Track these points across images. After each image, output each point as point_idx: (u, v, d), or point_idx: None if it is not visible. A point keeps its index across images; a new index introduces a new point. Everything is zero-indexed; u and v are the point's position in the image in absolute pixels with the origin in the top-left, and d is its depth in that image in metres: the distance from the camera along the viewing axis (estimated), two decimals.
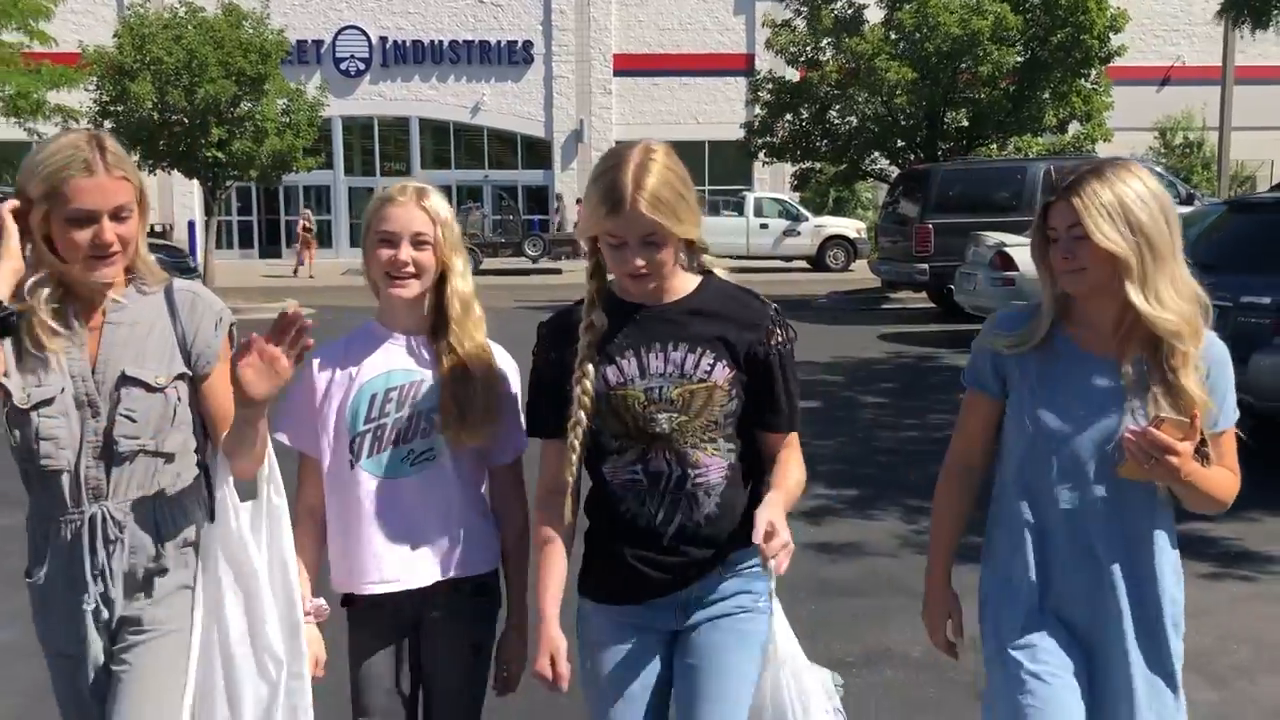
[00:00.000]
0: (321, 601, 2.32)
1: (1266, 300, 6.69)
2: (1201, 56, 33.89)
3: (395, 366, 2.37)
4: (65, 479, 2.20)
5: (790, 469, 2.29)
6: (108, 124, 17.96)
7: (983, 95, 18.29)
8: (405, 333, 2.40)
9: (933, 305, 16.83)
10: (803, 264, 28.32)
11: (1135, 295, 2.16)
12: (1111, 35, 17.90)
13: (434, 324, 2.40)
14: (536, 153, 35.26)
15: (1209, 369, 2.23)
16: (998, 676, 2.31)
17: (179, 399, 2.27)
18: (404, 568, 2.36)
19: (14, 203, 2.11)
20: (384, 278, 2.32)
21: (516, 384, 2.46)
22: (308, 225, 28.20)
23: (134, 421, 2.22)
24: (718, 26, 34.53)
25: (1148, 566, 2.28)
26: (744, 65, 32.09)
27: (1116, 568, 2.27)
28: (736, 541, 2.28)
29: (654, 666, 2.34)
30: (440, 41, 33.99)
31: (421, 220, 2.31)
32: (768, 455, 2.34)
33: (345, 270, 26.40)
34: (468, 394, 2.33)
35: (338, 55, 33.47)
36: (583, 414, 2.23)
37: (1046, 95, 18.48)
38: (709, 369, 2.24)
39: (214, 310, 2.34)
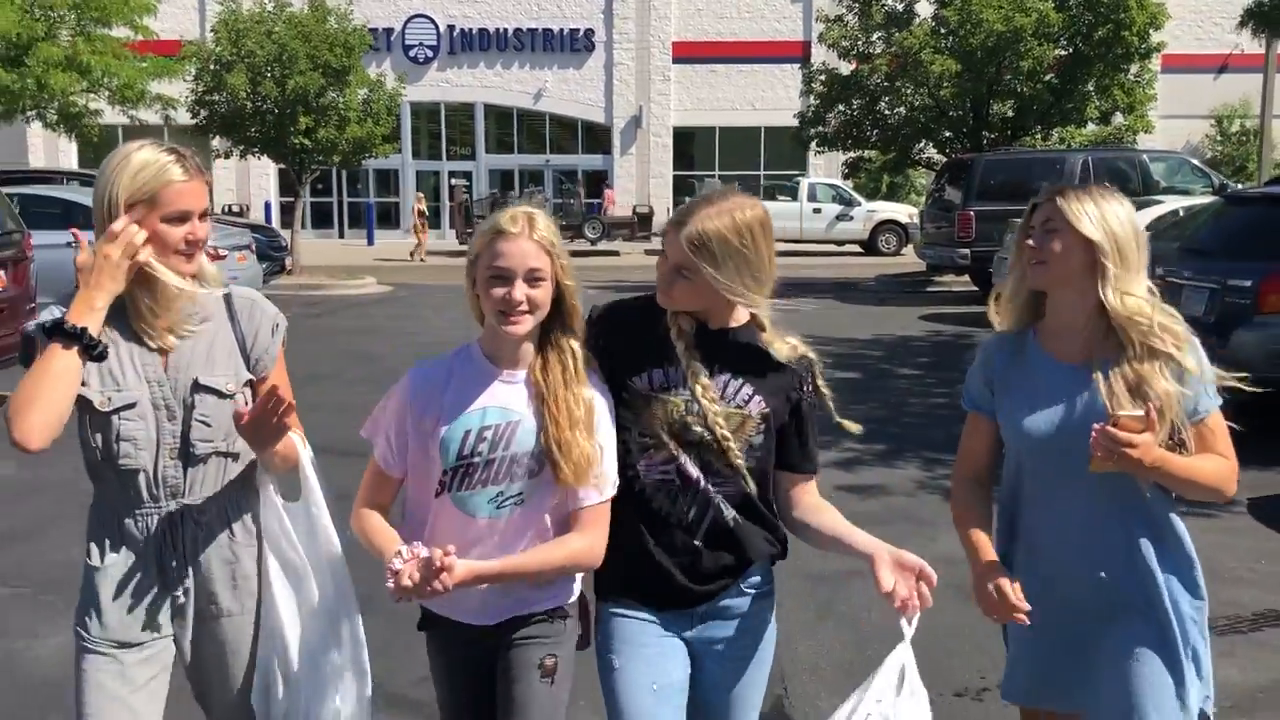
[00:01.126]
0: (418, 545, 2.18)
1: (1248, 283, 7.60)
2: (1260, 44, 34.02)
3: (492, 404, 2.30)
4: (142, 477, 2.31)
5: (834, 511, 2.43)
6: (203, 112, 19.35)
7: (1025, 89, 19.04)
8: (507, 367, 2.32)
9: (975, 288, 17.67)
10: (855, 248, 29.08)
11: (1105, 290, 2.32)
12: (1152, 32, 18.54)
13: (538, 349, 2.34)
14: (596, 138, 36.14)
15: (1183, 361, 2.33)
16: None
17: (245, 402, 2.37)
18: (479, 606, 2.34)
19: (140, 232, 2.21)
20: (497, 314, 2.24)
21: (610, 422, 2.36)
22: (422, 210, 28.54)
23: (209, 426, 2.33)
24: (775, 14, 35.11)
25: (1143, 563, 2.38)
26: (800, 52, 32.58)
27: (1111, 567, 2.38)
28: (752, 552, 2.41)
29: (678, 666, 2.40)
30: (505, 30, 34.96)
31: (535, 254, 2.22)
32: (793, 500, 2.45)
33: (411, 251, 27.64)
34: (571, 437, 2.26)
35: (407, 43, 34.51)
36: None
37: (1089, 88, 19.17)
38: (746, 399, 2.36)
39: (270, 316, 2.45)
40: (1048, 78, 19.07)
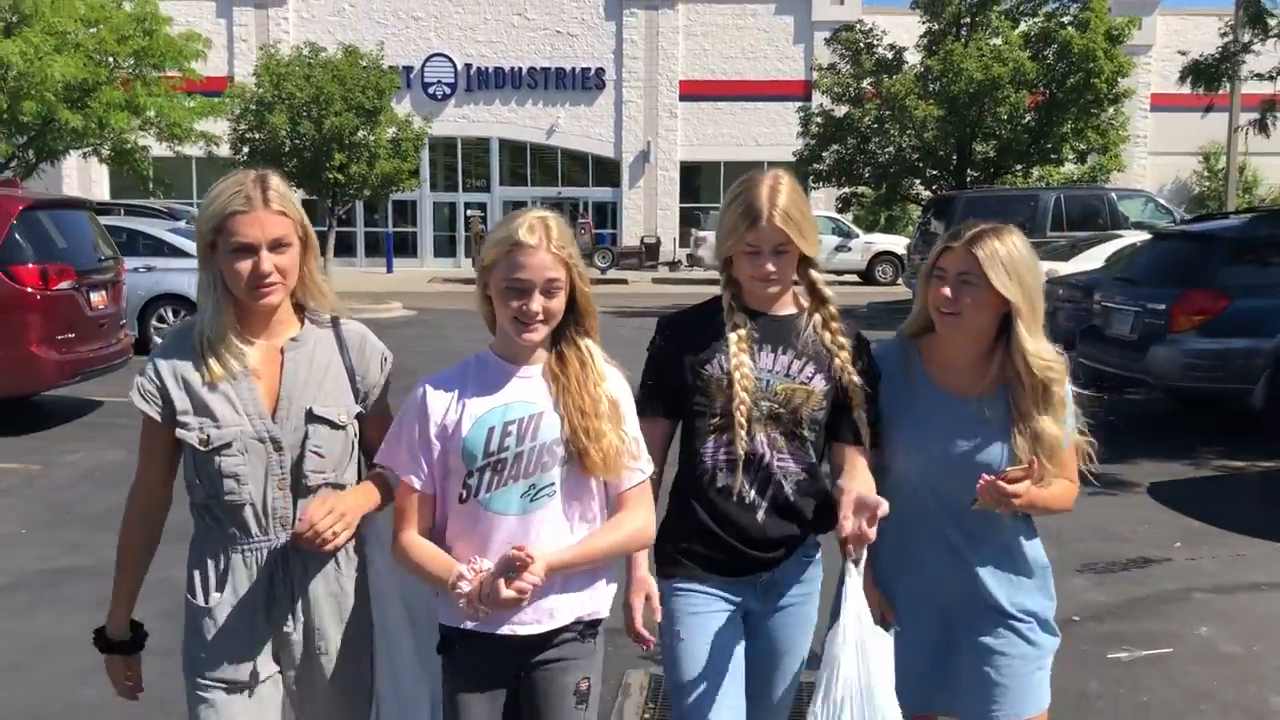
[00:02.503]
0: (477, 560, 2.19)
1: (1162, 306, 8.98)
2: (1248, 85, 35.38)
3: (512, 399, 2.27)
4: (249, 511, 2.26)
5: (864, 472, 2.50)
6: (245, 149, 20.90)
7: (1005, 131, 20.53)
8: (521, 364, 2.30)
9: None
10: (854, 278, 30.45)
11: (1025, 338, 2.40)
12: (1120, 80, 20.05)
13: (552, 346, 2.33)
14: (606, 171, 37.13)
15: (1064, 407, 2.47)
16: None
17: (355, 434, 2.36)
18: (531, 614, 2.26)
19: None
20: (513, 323, 2.23)
21: (632, 406, 2.39)
22: (480, 233, 29.05)
23: (322, 457, 2.29)
24: (777, 55, 36.31)
25: (1008, 569, 2.55)
26: (801, 91, 33.84)
27: (978, 573, 2.53)
28: (815, 521, 2.54)
29: (738, 642, 2.51)
30: (520, 68, 36.11)
31: (553, 266, 2.21)
32: (838, 462, 2.54)
33: (430, 278, 29.06)
34: (594, 422, 2.25)
35: (426, 80, 35.69)
36: (744, 393, 2.44)
37: (1065, 130, 20.66)
38: (810, 376, 2.49)
39: (378, 351, 2.42)
40: (1025, 121, 20.58)
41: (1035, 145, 20.60)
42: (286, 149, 20.52)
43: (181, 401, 2.25)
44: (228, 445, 2.24)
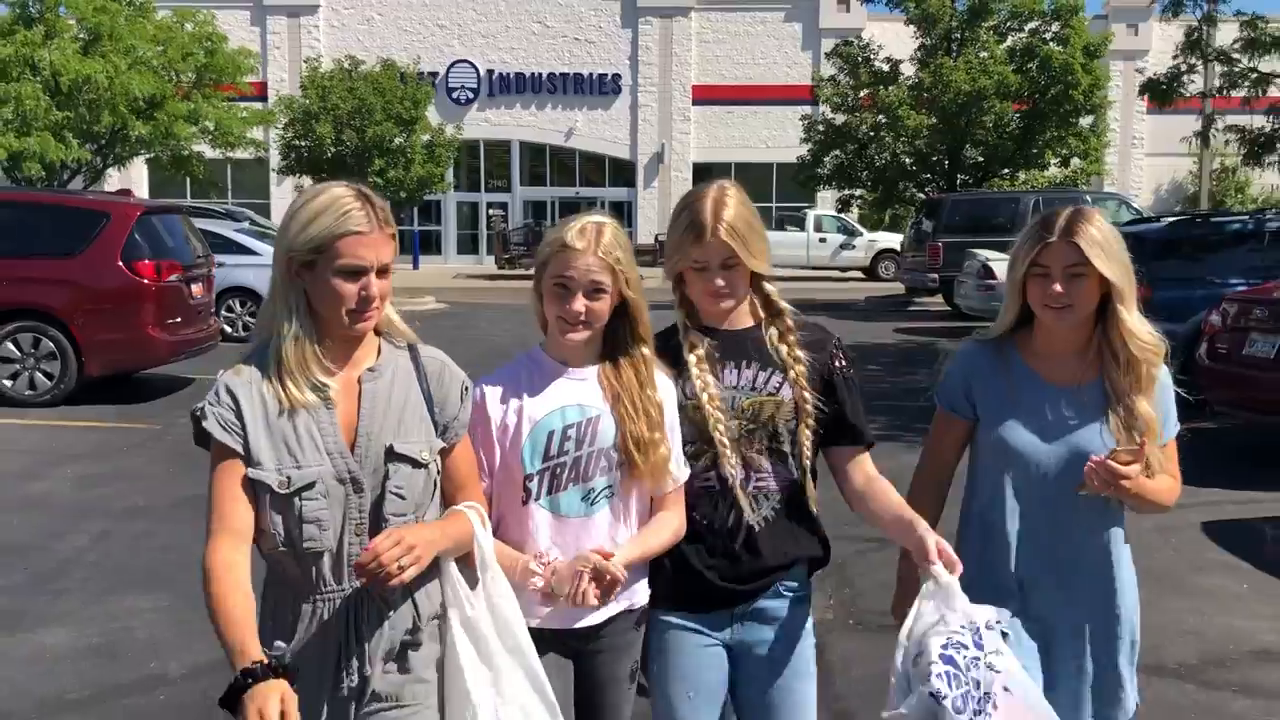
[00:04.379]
0: (544, 552, 2.23)
1: None
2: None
3: (569, 402, 2.30)
4: (327, 559, 2.07)
5: (891, 489, 2.42)
6: (291, 155, 22.72)
7: (991, 139, 22.21)
8: (575, 365, 2.33)
9: (948, 307, 20.69)
10: (858, 274, 32.00)
11: (1125, 317, 2.35)
12: (1095, 91, 21.73)
13: (606, 353, 2.34)
14: (622, 172, 38.71)
15: (1158, 390, 2.42)
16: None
17: (438, 471, 2.17)
18: (577, 608, 2.25)
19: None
20: (558, 321, 2.27)
21: (675, 412, 2.38)
22: (502, 231, 29.37)
23: (403, 499, 2.11)
24: (786, 61, 37.78)
25: (1106, 577, 2.46)
26: (809, 95, 35.18)
27: (1076, 578, 2.44)
28: (796, 548, 2.45)
29: (719, 673, 2.44)
30: (540, 74, 37.71)
31: (600, 269, 2.22)
32: (848, 472, 2.47)
33: (455, 275, 30.72)
34: (647, 432, 2.27)
35: (450, 85, 37.21)
36: (719, 414, 2.37)
37: (1047, 137, 22.34)
38: (776, 386, 2.40)
39: (459, 379, 2.24)
40: (1010, 129, 22.27)
41: (1020, 151, 22.30)
42: (329, 155, 22.29)
43: (257, 435, 2.04)
44: (310, 486, 2.04)
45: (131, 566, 5.90)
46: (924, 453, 2.62)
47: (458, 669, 2.13)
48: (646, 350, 2.35)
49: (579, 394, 2.33)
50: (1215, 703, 4.35)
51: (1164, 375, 2.46)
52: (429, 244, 38.27)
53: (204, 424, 2.04)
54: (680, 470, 2.38)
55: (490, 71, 37.80)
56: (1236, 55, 15.15)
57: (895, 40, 26.49)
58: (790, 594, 2.49)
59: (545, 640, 2.28)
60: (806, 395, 2.41)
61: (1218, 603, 5.44)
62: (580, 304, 2.25)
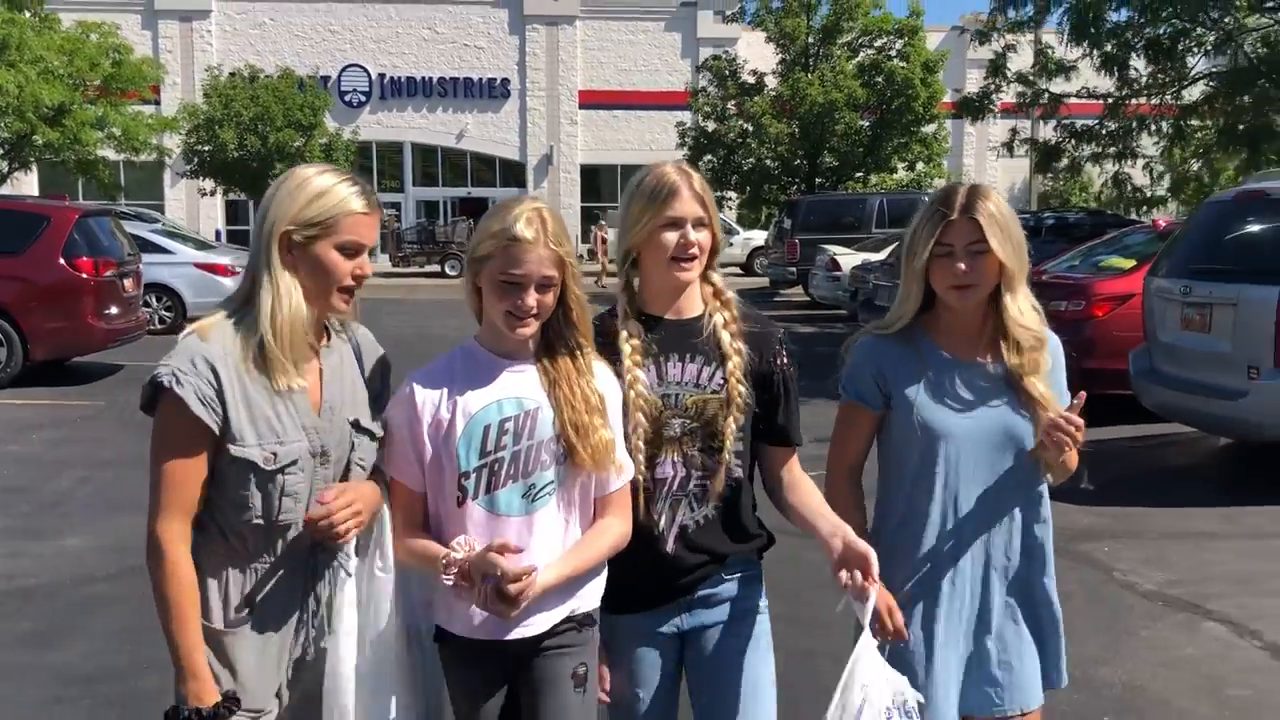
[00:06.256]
0: (455, 549, 2.11)
1: None
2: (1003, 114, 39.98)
3: (506, 395, 2.20)
4: (293, 531, 2.10)
5: (815, 490, 2.43)
6: (195, 159, 23.87)
7: (843, 146, 24.64)
8: (510, 357, 2.23)
9: (806, 298, 22.92)
10: (735, 269, 34.11)
11: (1012, 304, 2.36)
12: (932, 103, 24.37)
13: (543, 343, 2.24)
14: (513, 173, 39.50)
15: (1052, 363, 2.44)
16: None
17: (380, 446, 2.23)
18: (523, 618, 2.15)
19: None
20: (506, 317, 2.16)
21: (619, 404, 2.29)
22: (605, 237, 28.84)
23: (364, 470, 2.19)
24: (667, 68, 39.38)
25: (1033, 546, 2.48)
26: (688, 100, 37.79)
27: (1003, 549, 2.45)
28: (734, 545, 2.39)
29: (668, 670, 2.39)
30: (430, 78, 38.44)
31: (550, 262, 2.14)
32: (773, 470, 2.45)
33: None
34: (585, 417, 2.19)
35: (343, 89, 37.50)
36: (641, 415, 2.29)
37: (894, 143, 24.89)
38: (721, 383, 2.33)
39: (381, 354, 2.32)
40: (860, 136, 24.76)
41: (870, 156, 24.81)
42: (231, 159, 23.50)
43: (238, 412, 2.04)
44: (293, 463, 2.08)
45: (117, 498, 7.45)
46: (834, 447, 2.57)
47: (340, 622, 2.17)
48: (584, 339, 2.27)
49: (516, 387, 2.23)
50: None
51: (1056, 349, 2.48)
52: None
53: (177, 392, 1.99)
54: (626, 468, 2.28)
55: (382, 75, 38.48)
56: (1033, 78, 17.66)
57: (767, 50, 28.49)
58: (739, 573, 2.44)
59: (481, 652, 2.21)
60: (740, 389, 2.35)
61: None
62: (532, 299, 2.16)
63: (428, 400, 2.20)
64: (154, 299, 16.77)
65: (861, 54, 25.37)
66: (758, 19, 26.26)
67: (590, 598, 2.30)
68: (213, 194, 25.54)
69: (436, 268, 31.78)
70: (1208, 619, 5.11)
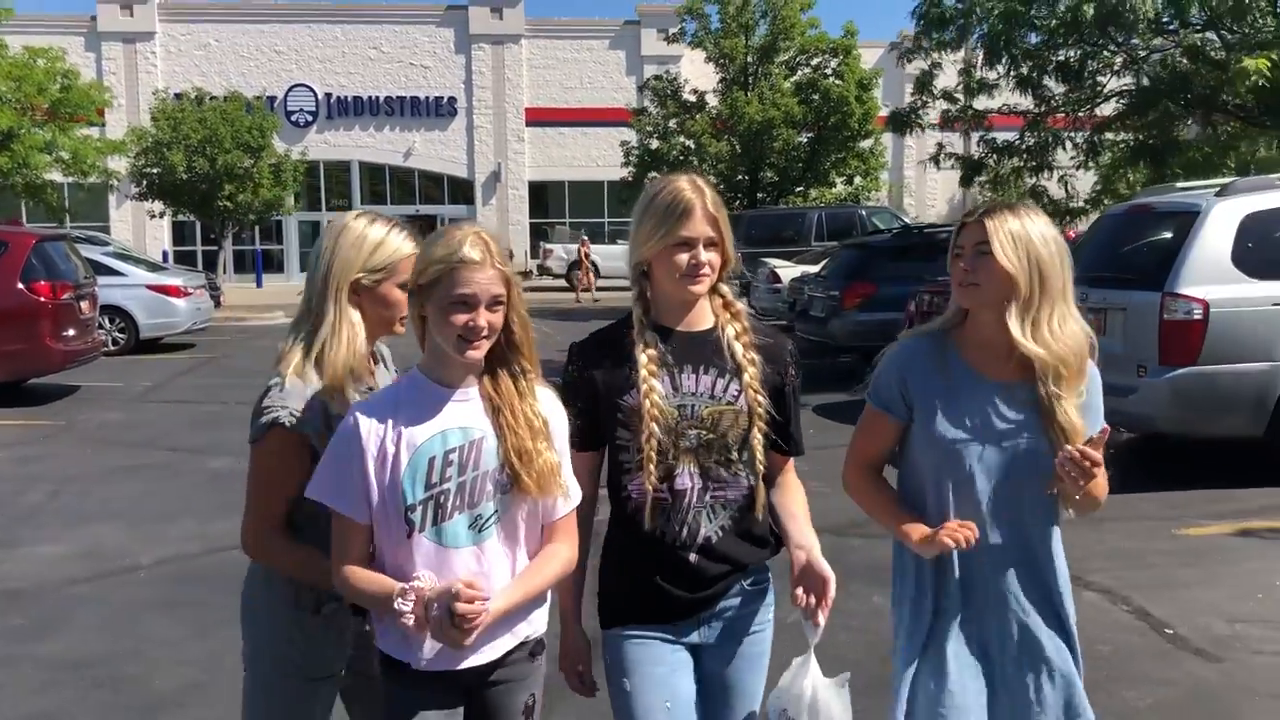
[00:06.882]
0: (411, 584, 2.11)
1: (836, 293, 13.51)
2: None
3: (450, 425, 2.21)
4: None
5: (801, 497, 2.50)
6: (144, 182, 24.07)
7: (782, 162, 25.44)
8: (454, 385, 2.24)
9: (751, 309, 23.53)
10: None
11: (1013, 323, 2.32)
12: (866, 120, 25.27)
13: (486, 369, 2.25)
14: (461, 190, 39.73)
15: (1088, 394, 2.40)
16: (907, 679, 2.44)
17: None
18: (472, 646, 2.14)
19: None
20: (456, 341, 2.16)
21: (566, 435, 2.32)
22: (589, 253, 28.88)
23: None
24: (612, 85, 39.72)
25: (1047, 570, 2.47)
26: (632, 118, 38.43)
27: (1013, 575, 2.43)
28: (755, 553, 2.45)
29: (687, 684, 2.41)
30: (377, 97, 38.58)
31: (499, 283, 2.17)
32: (769, 475, 2.45)
33: (298, 291, 31.62)
34: (529, 442, 2.20)
35: (289, 108, 37.70)
36: (655, 426, 2.30)
37: (832, 159, 25.74)
38: (736, 394, 2.36)
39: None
40: (798, 153, 25.58)
41: (809, 172, 25.64)
42: (180, 182, 23.74)
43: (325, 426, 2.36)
44: None
45: (87, 510, 7.88)
46: (856, 446, 2.59)
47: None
48: (526, 363, 2.28)
49: (461, 416, 2.23)
50: None
51: (1093, 377, 2.44)
52: (271, 263, 38.76)
53: (281, 417, 2.39)
54: (571, 493, 2.30)
55: (328, 95, 38.59)
56: (958, 96, 18.52)
57: (708, 69, 29.21)
58: (752, 587, 2.47)
59: (431, 683, 2.22)
60: (760, 400, 2.38)
61: None
62: (484, 318, 2.16)
63: (372, 432, 2.19)
64: (108, 320, 17.02)
65: (799, 72, 26.19)
66: (697, 39, 27.02)
67: (539, 623, 2.33)
68: (161, 216, 25.69)
69: None
70: (1087, 589, 5.73)
